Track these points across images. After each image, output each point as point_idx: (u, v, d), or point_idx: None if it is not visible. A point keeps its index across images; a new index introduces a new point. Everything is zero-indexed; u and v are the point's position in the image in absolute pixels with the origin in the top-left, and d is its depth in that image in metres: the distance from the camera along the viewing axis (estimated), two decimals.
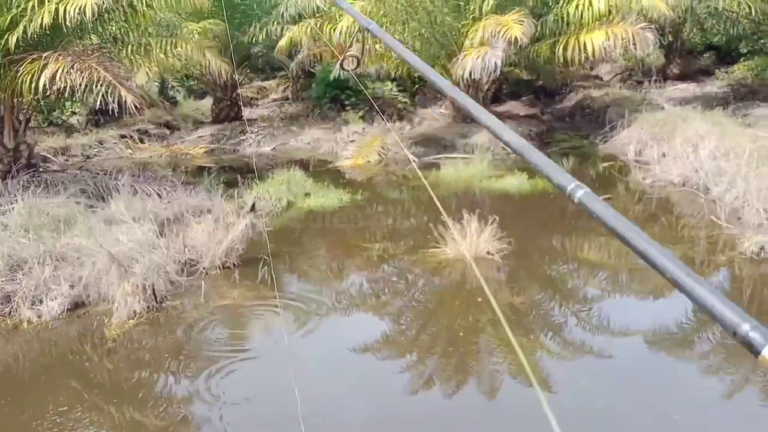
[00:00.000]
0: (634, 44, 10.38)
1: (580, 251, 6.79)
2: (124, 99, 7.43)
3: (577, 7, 10.60)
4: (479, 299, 5.31)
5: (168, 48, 9.65)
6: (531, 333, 4.91)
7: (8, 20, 7.33)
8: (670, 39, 16.48)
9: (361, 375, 4.49)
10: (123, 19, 8.95)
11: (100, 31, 9.26)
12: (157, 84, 15.21)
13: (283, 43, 12.96)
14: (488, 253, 6.03)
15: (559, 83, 14.64)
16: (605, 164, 10.22)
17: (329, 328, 5.23)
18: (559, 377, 4.21)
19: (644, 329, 4.79)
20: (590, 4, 10.47)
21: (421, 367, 4.56)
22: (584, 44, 10.39)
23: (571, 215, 7.68)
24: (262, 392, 4.18)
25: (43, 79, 7.15)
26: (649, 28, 10.40)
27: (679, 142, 9.22)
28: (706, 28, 15.81)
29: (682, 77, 16.08)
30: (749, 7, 11.30)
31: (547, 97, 15.27)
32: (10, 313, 5.08)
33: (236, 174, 9.59)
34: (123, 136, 12.82)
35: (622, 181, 9.33)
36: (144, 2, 8.81)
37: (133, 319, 5.05)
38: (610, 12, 10.46)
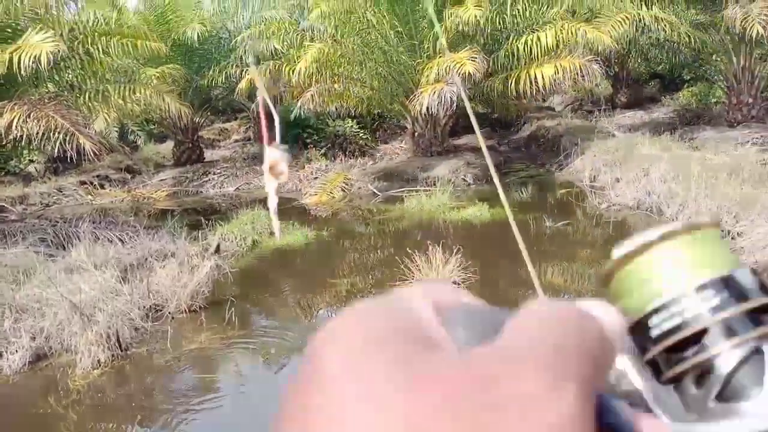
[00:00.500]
0: (582, 76, 10.73)
1: (544, 275, 6.87)
2: (82, 146, 7.33)
3: (526, 42, 10.94)
4: None
5: (126, 94, 9.60)
6: None
7: None
8: (617, 69, 17.10)
9: None
10: (80, 66, 8.89)
11: (57, 79, 9.17)
12: (116, 129, 15.06)
13: (242, 85, 13.01)
14: (454, 283, 6.06)
15: (513, 115, 15.00)
16: (562, 191, 10.45)
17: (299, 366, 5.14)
18: None
19: None
20: (538, 39, 10.83)
21: None
22: (535, 77, 10.71)
23: (534, 241, 7.80)
24: None
25: None
26: (596, 60, 10.79)
27: (631, 167, 9.49)
28: (650, 57, 16.46)
29: (630, 105, 16.66)
30: (689, 37, 11.84)
31: (503, 129, 15.62)
32: None
33: (200, 216, 9.49)
34: (83, 183, 12.59)
35: (580, 206, 9.53)
36: (101, 49, 8.78)
37: (97, 368, 4.89)
38: (557, 46, 10.82)
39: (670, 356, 0.32)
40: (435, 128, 12.39)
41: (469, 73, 10.01)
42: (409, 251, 6.27)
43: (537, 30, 11.11)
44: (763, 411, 0.28)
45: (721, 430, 0.28)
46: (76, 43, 8.56)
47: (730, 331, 0.31)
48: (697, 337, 0.31)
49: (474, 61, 10.17)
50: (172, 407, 4.52)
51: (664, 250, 0.33)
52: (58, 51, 7.51)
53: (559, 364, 0.20)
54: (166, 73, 12.61)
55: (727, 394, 0.30)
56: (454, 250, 6.24)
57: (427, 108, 10.37)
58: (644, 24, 11.82)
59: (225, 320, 5.70)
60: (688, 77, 16.60)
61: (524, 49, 10.98)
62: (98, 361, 4.90)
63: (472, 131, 14.97)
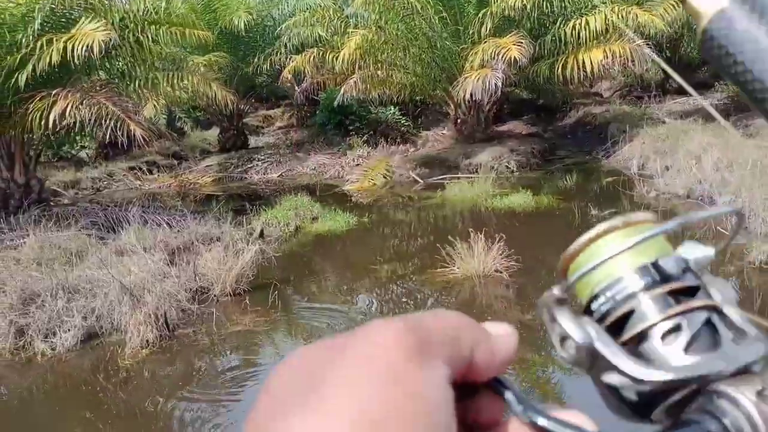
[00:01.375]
0: (632, 61, 10.43)
1: None
2: (132, 132, 7.51)
3: (574, 27, 10.68)
4: (489, 317, 5.27)
5: (174, 81, 9.77)
6: (542, 349, 4.85)
7: (18, 59, 7.44)
8: (668, 54, 16.56)
9: None
10: (130, 54, 9.08)
11: (108, 66, 9.40)
12: (164, 116, 15.38)
13: (287, 72, 13.10)
14: (496, 271, 6.00)
15: (559, 101, 14.71)
16: (609, 179, 10.21)
17: None
18: (572, 393, 4.15)
19: None
20: (587, 23, 10.56)
21: None
22: (582, 63, 10.46)
23: (577, 231, 7.64)
24: None
25: (53, 115, 7.24)
26: (647, 44, 10.46)
27: (681, 155, 9.20)
28: None
29: (681, 91, 16.12)
30: None
31: (548, 116, 15.32)
32: (24, 346, 5.07)
33: (244, 201, 9.63)
34: (132, 168, 12.93)
35: (627, 195, 9.30)
36: (150, 38, 8.95)
37: (146, 348, 5.03)
38: (607, 30, 10.54)
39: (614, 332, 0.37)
40: (478, 114, 12.24)
41: (514, 58, 9.85)
42: (450, 239, 6.24)
43: (585, 14, 10.83)
44: (671, 365, 0.35)
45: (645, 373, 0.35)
46: (126, 31, 8.73)
47: (654, 308, 0.37)
48: (628, 316, 0.37)
49: (520, 46, 10.00)
50: (217, 386, 4.63)
51: (602, 243, 0.39)
52: (110, 40, 7.69)
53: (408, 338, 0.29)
54: (213, 60, 12.79)
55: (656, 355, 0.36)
56: (497, 238, 6.18)
57: (471, 94, 10.26)
58: None
59: (268, 303, 5.79)
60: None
61: (572, 33, 10.72)
62: (147, 341, 5.04)
63: (516, 117, 14.76)
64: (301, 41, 13.54)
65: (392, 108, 13.93)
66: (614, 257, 0.38)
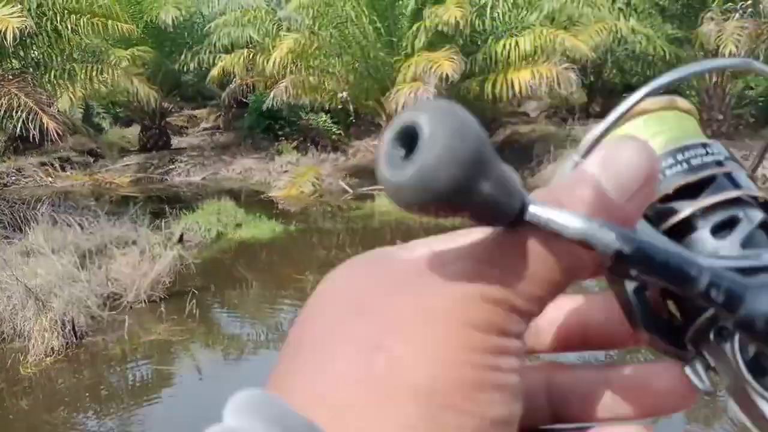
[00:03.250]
0: (559, 83, 10.91)
1: None
2: (45, 125, 7.21)
3: (504, 46, 11.07)
4: None
5: (94, 74, 9.46)
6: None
7: None
8: (592, 79, 17.39)
9: None
10: (47, 43, 8.72)
11: (22, 55, 8.99)
12: (81, 110, 14.77)
13: (215, 72, 12.89)
14: None
15: (488, 119, 15.15)
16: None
17: (260, 362, 5.16)
18: None
19: None
20: (516, 43, 10.97)
21: None
22: (511, 82, 10.85)
23: None
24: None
25: None
26: (573, 68, 10.97)
27: None
28: (625, 69, 16.77)
29: (603, 115, 16.87)
30: (664, 51, 12.12)
31: None
32: None
33: (164, 204, 9.39)
34: (43, 164, 12.35)
35: None
36: (69, 28, 8.64)
37: (51, 356, 4.83)
38: (535, 51, 10.98)
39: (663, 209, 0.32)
40: None
41: (446, 74, 10.10)
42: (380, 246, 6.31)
43: (516, 34, 11.26)
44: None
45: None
46: (44, 19, 8.40)
47: (703, 191, 0.32)
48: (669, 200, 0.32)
49: (452, 61, 10.26)
50: (125, 398, 4.50)
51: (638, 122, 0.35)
52: (25, 27, 7.37)
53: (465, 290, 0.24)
54: (136, 55, 12.43)
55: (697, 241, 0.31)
56: None
57: (403, 107, 10.43)
58: (621, 35, 12.07)
59: (186, 312, 5.68)
60: (662, 91, 16.95)
61: (502, 52, 11.11)
62: (52, 348, 4.84)
63: None
64: (231, 41, 13.36)
65: (324, 115, 13.95)
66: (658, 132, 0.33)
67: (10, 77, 7.73)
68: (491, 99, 11.67)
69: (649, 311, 0.31)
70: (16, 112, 7.15)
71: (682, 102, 0.35)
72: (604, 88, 17.77)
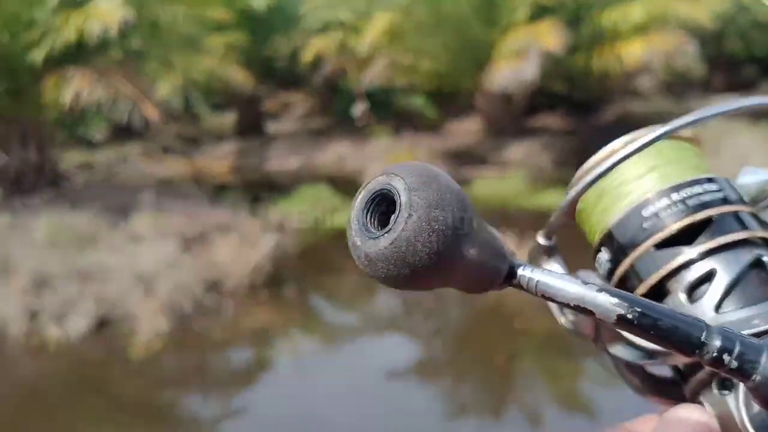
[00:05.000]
0: (674, 56, 10.33)
1: None
2: (147, 114, 7.61)
3: (612, 17, 10.58)
4: (517, 323, 5.28)
5: (191, 62, 9.86)
6: (574, 359, 4.86)
7: (34, 37, 7.56)
8: (712, 50, 16.35)
9: (391, 401, 4.48)
10: (146, 34, 9.16)
11: (124, 46, 9.49)
12: (180, 99, 15.50)
13: (307, 56, 13.13)
14: None
15: (596, 96, 14.59)
16: None
17: (356, 350, 5.24)
18: (608, 407, 4.15)
19: None
20: (626, 14, 10.46)
21: (457, 395, 4.53)
22: (621, 56, 10.37)
23: None
24: (287, 419, 4.20)
25: (68, 95, 7.34)
26: (690, 39, 10.34)
27: (725, 156, 9.10)
28: (748, 39, 15.67)
29: (725, 90, 15.91)
30: None
31: (585, 111, 15.19)
32: (36, 331, 5.18)
33: (261, 190, 9.70)
34: (146, 152, 13.06)
35: None
36: (167, 17, 9.03)
37: (158, 338, 5.11)
38: (647, 22, 10.44)
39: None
40: (509, 107, 12.19)
41: (548, 48, 9.79)
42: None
43: (626, 3, 10.73)
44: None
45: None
46: (143, 10, 8.82)
47: (676, 249, 0.31)
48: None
49: (555, 35, 9.93)
50: (227, 382, 4.70)
51: (621, 170, 0.33)
52: (127, 18, 7.77)
53: None
54: (231, 42, 12.86)
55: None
56: (527, 239, 6.16)
57: (502, 85, 10.22)
58: (744, 3, 11.26)
59: (284, 298, 5.85)
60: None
61: (610, 23, 10.64)
62: (158, 331, 5.13)
63: (550, 111, 14.67)
64: (324, 24, 13.55)
65: (418, 97, 13.91)
66: (622, 184, 0.33)
67: (114, 68, 8.19)
68: (599, 75, 11.22)
69: (645, 372, 0.30)
70: (120, 101, 7.57)
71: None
72: (725, 60, 16.67)
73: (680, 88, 16.51)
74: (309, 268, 6.82)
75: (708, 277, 0.30)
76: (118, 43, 9.13)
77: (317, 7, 13.46)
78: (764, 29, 13.77)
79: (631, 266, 0.32)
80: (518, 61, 10.11)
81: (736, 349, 0.24)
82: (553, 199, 8.98)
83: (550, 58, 10.25)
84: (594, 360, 4.86)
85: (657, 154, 0.34)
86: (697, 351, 0.24)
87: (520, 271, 0.26)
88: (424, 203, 0.23)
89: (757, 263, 0.30)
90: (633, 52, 10.20)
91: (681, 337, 0.24)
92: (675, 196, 0.32)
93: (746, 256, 0.30)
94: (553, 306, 0.32)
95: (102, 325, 5.30)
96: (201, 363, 5.03)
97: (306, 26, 13.79)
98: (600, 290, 0.25)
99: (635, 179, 0.33)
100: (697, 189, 0.32)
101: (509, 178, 10.13)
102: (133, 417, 4.30)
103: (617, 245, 0.33)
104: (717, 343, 0.24)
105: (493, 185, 9.91)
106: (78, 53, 8.24)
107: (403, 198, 0.23)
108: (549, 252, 0.32)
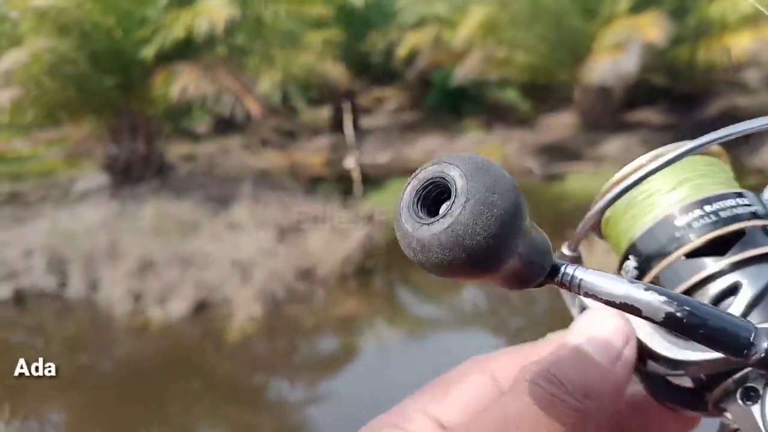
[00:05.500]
0: None
1: None
2: (249, 108, 7.89)
3: (720, 7, 9.98)
4: None
5: (291, 58, 10.12)
6: None
7: (146, 34, 7.99)
8: None
9: None
10: (249, 30, 9.49)
11: (229, 42, 9.88)
12: (279, 93, 15.96)
13: (402, 51, 13.17)
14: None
15: (699, 90, 13.81)
16: (752, 178, 9.49)
17: (440, 341, 5.24)
18: None
19: None
20: (734, 4, 9.83)
21: None
22: (728, 48, 9.77)
23: None
24: (369, 406, 4.26)
25: (176, 89, 7.73)
26: None
27: None
28: None
29: None
30: None
31: (686, 105, 14.41)
32: (139, 312, 5.52)
33: (353, 183, 9.86)
34: (246, 144, 13.56)
35: None
36: (269, 14, 9.32)
37: (252, 322, 5.32)
38: (757, 13, 9.76)
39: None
40: (606, 100, 11.76)
41: (651, 40, 9.37)
42: (569, 237, 6.06)
43: None
44: None
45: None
46: (247, 8, 9.13)
47: (700, 262, 0.31)
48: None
49: (657, 26, 9.48)
50: (315, 367, 4.83)
51: (647, 185, 0.34)
52: (233, 16, 8.08)
53: None
54: (328, 38, 13.09)
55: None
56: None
57: (600, 78, 9.87)
58: None
59: (373, 288, 5.93)
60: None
61: (717, 14, 10.04)
62: (253, 316, 5.33)
63: (649, 104, 14.03)
64: (419, 18, 13.54)
65: (511, 90, 13.66)
66: (653, 195, 0.33)
67: (219, 64, 8.55)
68: (704, 67, 10.63)
69: (667, 383, 0.30)
70: (224, 96, 7.89)
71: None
72: None
73: None
74: (396, 259, 6.87)
75: (733, 289, 0.30)
76: (224, 39, 9.53)
77: (414, 1, 13.47)
78: None
79: (658, 276, 0.32)
80: (618, 53, 9.73)
81: None
82: None
83: (651, 50, 9.81)
84: None
85: (689, 167, 0.34)
86: (745, 351, 0.24)
87: (563, 269, 0.26)
88: (483, 188, 0.23)
89: None
90: (741, 43, 9.59)
91: (729, 337, 0.24)
92: (707, 208, 0.32)
93: None
94: (574, 311, 0.33)
95: (200, 308, 5.58)
96: (291, 348, 5.19)
97: (402, 21, 13.84)
98: (647, 289, 0.25)
99: (667, 191, 0.33)
100: (729, 202, 0.32)
101: (604, 173, 9.76)
102: (224, 397, 4.50)
103: (645, 254, 0.33)
104: (765, 344, 0.24)
105: (587, 181, 9.59)
106: (186, 49, 8.66)
107: (458, 184, 0.24)
108: (575, 262, 0.32)
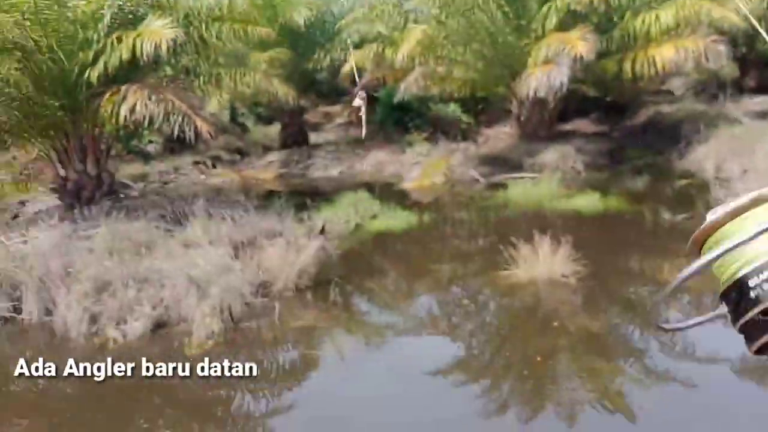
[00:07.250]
0: (707, 57, 10.09)
1: (660, 273, 6.56)
2: (198, 127, 7.75)
3: (643, 21, 10.40)
4: (555, 323, 5.22)
5: (237, 77, 10.01)
6: (611, 359, 4.77)
7: (90, 56, 7.77)
8: (744, 50, 15.89)
9: (432, 400, 4.46)
10: (194, 51, 9.34)
11: (174, 63, 9.70)
12: (227, 112, 15.75)
13: (346, 68, 13.22)
14: (563, 275, 5.92)
15: (628, 100, 14.32)
16: (683, 181, 9.89)
17: (398, 348, 5.24)
18: (642, 403, 4.06)
19: (732, 356, 4.48)
20: (657, 17, 10.27)
21: (496, 393, 4.49)
22: (653, 59, 10.18)
23: (649, 236, 7.47)
24: (334, 421, 4.23)
25: (123, 110, 7.53)
26: (721, 40, 10.09)
27: (761, 156, 8.84)
28: None
29: (759, 90, 15.43)
30: None
31: (616, 114, 14.92)
32: (96, 332, 5.32)
33: (305, 197, 9.79)
34: (197, 162, 13.32)
35: (702, 198, 8.99)
36: (214, 35, 9.20)
37: (211, 339, 5.20)
38: (678, 25, 10.22)
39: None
40: (542, 112, 12.07)
41: (580, 54, 9.67)
42: (513, 240, 6.18)
43: (656, 7, 10.54)
44: None
45: None
46: (191, 29, 9.01)
47: None
48: None
49: (586, 41, 9.81)
50: (276, 378, 4.75)
51: (752, 216, 0.32)
52: (176, 37, 7.94)
53: None
54: (274, 56, 13.01)
55: None
56: (562, 241, 6.09)
57: (535, 91, 10.13)
58: None
59: (329, 300, 5.89)
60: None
61: (641, 27, 10.45)
62: (212, 331, 5.22)
63: (582, 115, 14.45)
64: (361, 37, 13.64)
65: (453, 105, 13.87)
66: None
67: (165, 84, 8.38)
68: (631, 78, 11.03)
69: None
70: (172, 116, 7.73)
71: None
72: (758, 59, 16.17)
73: (713, 89, 16.09)
74: (351, 270, 6.85)
75: None
76: (168, 61, 9.35)
77: (355, 20, 13.57)
78: None
79: None
80: (550, 67, 10.01)
81: None
82: (586, 202, 8.84)
83: (581, 63, 10.12)
84: (630, 362, 4.76)
85: None
86: None
87: None
88: None
89: None
90: (665, 54, 10.01)
91: None
92: None
93: None
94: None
95: (158, 326, 5.42)
96: (251, 360, 5.09)
97: (345, 40, 13.90)
98: None
99: None
100: None
101: (544, 181, 10.02)
102: (186, 413, 4.38)
103: None
104: None
105: (528, 189, 9.82)
106: (132, 71, 8.46)
107: None
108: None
